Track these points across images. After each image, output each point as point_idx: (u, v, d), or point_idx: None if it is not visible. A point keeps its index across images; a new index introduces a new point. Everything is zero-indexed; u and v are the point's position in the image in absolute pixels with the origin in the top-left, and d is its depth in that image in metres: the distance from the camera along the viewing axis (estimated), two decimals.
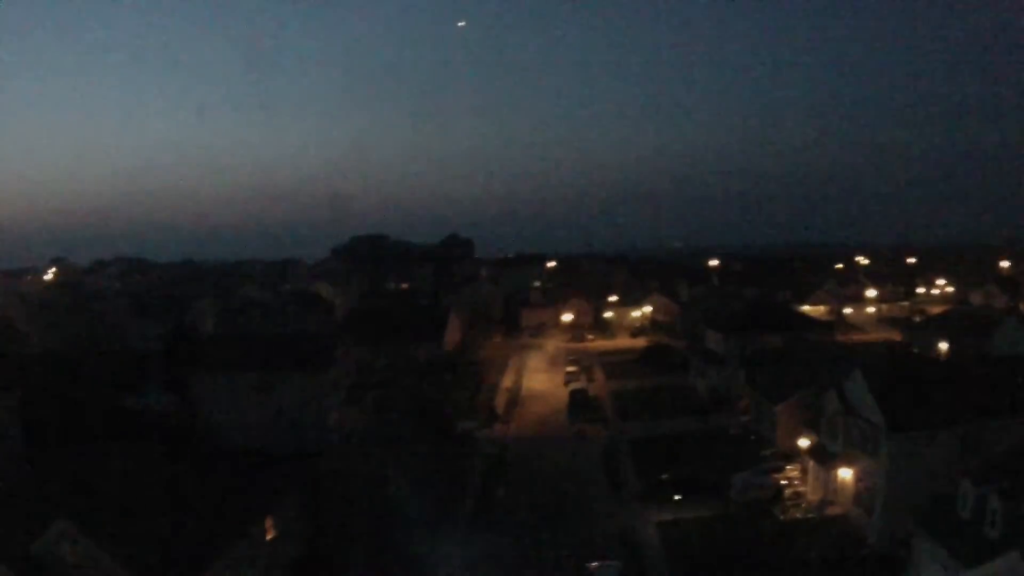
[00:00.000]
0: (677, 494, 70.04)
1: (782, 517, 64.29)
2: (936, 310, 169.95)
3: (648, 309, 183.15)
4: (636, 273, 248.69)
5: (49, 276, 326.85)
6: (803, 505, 66.38)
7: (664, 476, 73.74)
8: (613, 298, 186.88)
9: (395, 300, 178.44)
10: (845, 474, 63.43)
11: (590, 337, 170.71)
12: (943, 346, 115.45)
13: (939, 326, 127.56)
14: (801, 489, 69.28)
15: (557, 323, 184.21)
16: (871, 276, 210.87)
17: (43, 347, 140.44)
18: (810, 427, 71.75)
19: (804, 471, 71.36)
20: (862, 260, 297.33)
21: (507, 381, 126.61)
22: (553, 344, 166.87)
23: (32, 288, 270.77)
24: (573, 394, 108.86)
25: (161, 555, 47.15)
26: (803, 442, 71.50)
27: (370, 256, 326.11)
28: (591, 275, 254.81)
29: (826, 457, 66.67)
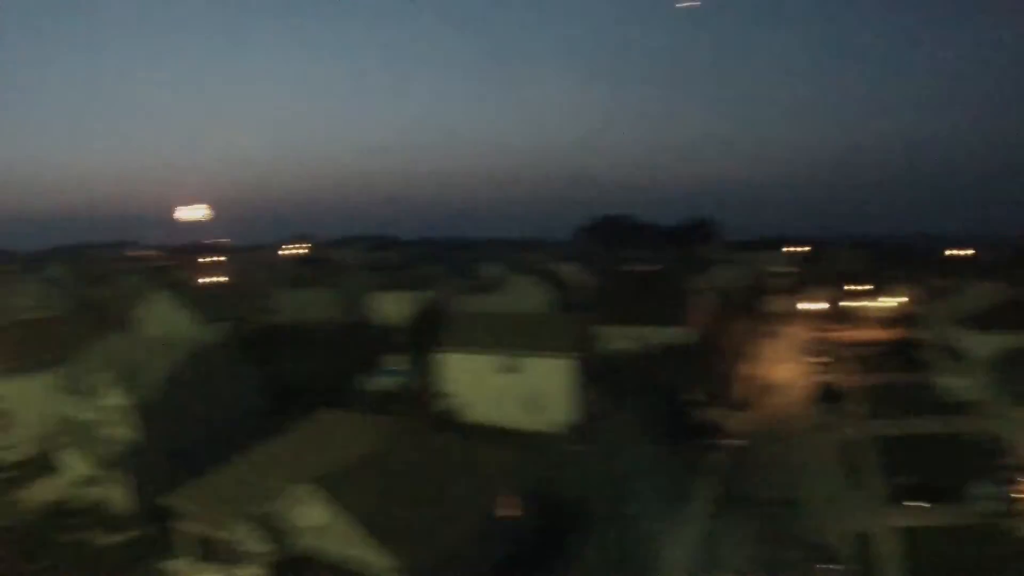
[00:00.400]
0: (915, 499, 70.83)
1: (1018, 535, 63.88)
2: None
3: (895, 300, 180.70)
4: (883, 261, 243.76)
5: (297, 250, 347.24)
6: None
7: (903, 479, 74.72)
8: (859, 287, 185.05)
9: (638, 282, 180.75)
10: None
11: (834, 327, 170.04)
12: None
13: None
14: None
15: (801, 311, 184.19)
16: None
17: (291, 318, 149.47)
18: None
19: None
20: None
21: (749, 369, 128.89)
22: (796, 332, 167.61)
23: (281, 261, 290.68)
24: (817, 386, 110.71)
25: (395, 521, 50.04)
26: None
27: (614, 237, 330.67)
28: (837, 261, 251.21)
29: None
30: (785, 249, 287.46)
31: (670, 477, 75.39)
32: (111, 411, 76.67)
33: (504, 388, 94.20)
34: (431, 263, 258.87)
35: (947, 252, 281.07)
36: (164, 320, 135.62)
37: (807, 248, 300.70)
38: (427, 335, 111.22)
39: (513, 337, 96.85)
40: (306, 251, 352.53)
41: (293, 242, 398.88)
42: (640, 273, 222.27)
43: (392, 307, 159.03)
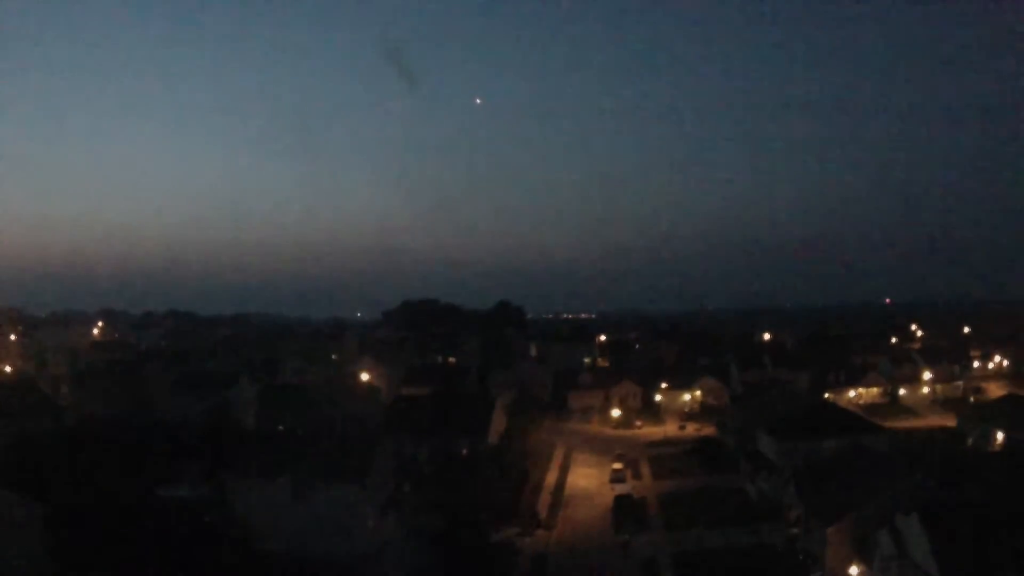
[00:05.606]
0: None
1: None
2: (992, 386, 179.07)
3: (698, 393, 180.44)
4: (687, 349, 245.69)
5: (97, 331, 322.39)
6: None
7: None
8: (663, 383, 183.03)
9: (441, 381, 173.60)
10: None
11: (638, 423, 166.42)
12: (999, 436, 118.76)
13: (993, 413, 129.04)
14: None
15: (606, 406, 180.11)
16: (925, 353, 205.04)
17: (80, 417, 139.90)
18: (863, 553, 68.31)
19: None
20: (915, 330, 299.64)
21: (551, 477, 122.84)
22: (601, 430, 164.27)
23: (80, 342, 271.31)
24: (618, 500, 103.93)
25: None
26: (854, 571, 68.15)
27: (419, 323, 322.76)
28: (642, 352, 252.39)
29: None
30: (595, 340, 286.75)
31: None
32: None
33: (297, 515, 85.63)
34: (234, 352, 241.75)
35: (752, 336, 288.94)
36: None
37: (615, 338, 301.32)
38: (220, 448, 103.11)
39: (306, 462, 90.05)
40: (103, 332, 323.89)
41: (94, 318, 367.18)
42: (443, 367, 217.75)
43: (188, 408, 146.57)
